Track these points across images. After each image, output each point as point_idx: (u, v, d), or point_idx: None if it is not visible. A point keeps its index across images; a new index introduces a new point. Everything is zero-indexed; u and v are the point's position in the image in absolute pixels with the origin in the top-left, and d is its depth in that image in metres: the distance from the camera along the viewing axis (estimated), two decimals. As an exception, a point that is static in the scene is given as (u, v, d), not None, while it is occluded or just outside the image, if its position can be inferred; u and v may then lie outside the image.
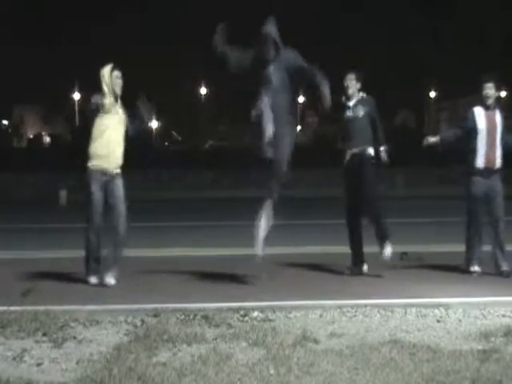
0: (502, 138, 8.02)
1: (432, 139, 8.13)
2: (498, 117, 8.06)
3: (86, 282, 7.62)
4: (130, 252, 7.72)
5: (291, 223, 12.03)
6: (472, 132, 7.96)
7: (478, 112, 8.04)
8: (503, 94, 41.32)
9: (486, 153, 7.95)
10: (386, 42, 42.54)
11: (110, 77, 7.49)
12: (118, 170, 7.52)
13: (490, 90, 8.03)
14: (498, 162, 8.00)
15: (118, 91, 7.56)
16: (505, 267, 7.89)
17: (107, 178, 7.41)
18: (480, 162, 7.95)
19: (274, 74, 7.43)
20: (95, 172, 7.38)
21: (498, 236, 7.97)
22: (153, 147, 39.36)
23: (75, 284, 7.61)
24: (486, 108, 8.02)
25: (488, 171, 7.95)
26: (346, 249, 8.27)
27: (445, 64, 41.76)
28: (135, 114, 7.63)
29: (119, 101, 7.60)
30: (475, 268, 7.95)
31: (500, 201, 7.99)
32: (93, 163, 7.41)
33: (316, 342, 5.36)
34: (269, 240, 8.32)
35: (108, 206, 7.38)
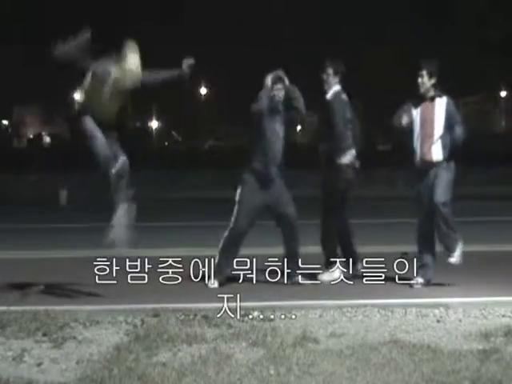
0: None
1: None
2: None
3: (85, 281, 7.63)
4: (128, 252, 7.71)
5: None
6: None
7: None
8: (503, 93, 41.39)
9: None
10: (385, 42, 42.54)
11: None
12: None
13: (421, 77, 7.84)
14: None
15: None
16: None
17: None
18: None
19: None
20: None
21: None
22: (153, 147, 39.32)
23: (75, 284, 7.61)
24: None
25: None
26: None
27: (445, 64, 41.71)
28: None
29: None
30: None
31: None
32: None
33: (316, 341, 5.36)
34: (271, 240, 8.34)
35: None
